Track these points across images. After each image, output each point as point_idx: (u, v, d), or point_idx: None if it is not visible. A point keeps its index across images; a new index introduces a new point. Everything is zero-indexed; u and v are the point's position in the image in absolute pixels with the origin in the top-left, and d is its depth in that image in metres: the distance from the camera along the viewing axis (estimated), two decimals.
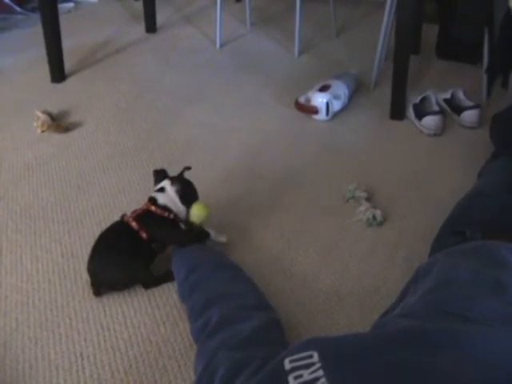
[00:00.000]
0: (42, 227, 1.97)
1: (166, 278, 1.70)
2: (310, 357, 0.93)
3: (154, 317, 1.58)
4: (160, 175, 1.77)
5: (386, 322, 1.15)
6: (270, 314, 1.38)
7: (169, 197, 1.70)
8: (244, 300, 1.42)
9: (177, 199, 1.70)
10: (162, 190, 1.72)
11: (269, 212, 2.00)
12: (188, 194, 1.73)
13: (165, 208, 1.69)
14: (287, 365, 0.94)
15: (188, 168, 1.77)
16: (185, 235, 1.73)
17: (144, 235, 1.65)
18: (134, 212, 1.71)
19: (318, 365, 0.91)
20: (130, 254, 1.65)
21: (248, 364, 1.06)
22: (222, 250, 1.74)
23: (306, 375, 0.90)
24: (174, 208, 1.70)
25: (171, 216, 1.69)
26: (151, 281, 1.69)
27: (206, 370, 1.17)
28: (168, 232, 1.71)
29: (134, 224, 1.66)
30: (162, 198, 1.70)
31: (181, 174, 1.76)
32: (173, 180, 1.72)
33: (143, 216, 1.69)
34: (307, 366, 0.92)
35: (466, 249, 1.30)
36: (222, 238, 1.77)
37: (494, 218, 1.52)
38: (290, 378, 0.91)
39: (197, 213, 1.72)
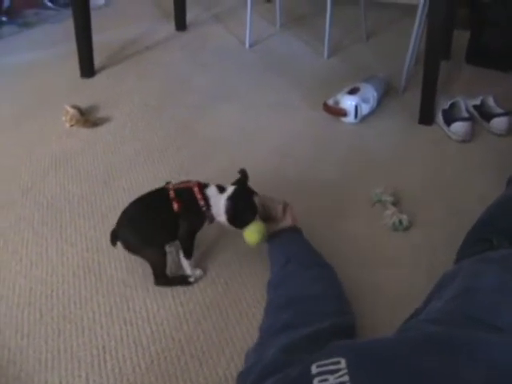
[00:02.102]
0: (67, 221, 1.98)
1: (179, 281, 1.71)
2: (338, 363, 0.93)
3: (177, 314, 1.59)
4: (240, 180, 1.71)
5: (411, 326, 1.15)
6: (342, 321, 1.36)
7: (217, 200, 1.66)
8: (322, 305, 1.40)
9: (222, 210, 1.65)
10: (222, 189, 1.68)
11: (296, 209, 1.99)
12: (234, 217, 1.66)
13: (205, 199, 1.66)
14: (314, 369, 0.94)
15: (243, 173, 1.73)
16: (188, 238, 1.71)
17: (176, 206, 1.64)
18: (179, 183, 1.72)
19: (345, 371, 0.91)
20: (153, 223, 1.66)
21: (284, 368, 1.06)
22: None
23: (332, 379, 0.90)
24: (214, 209, 1.66)
25: (203, 208, 1.65)
26: (163, 268, 1.69)
27: (253, 365, 1.18)
28: (187, 221, 1.67)
29: (171, 192, 1.66)
30: (212, 192, 1.67)
31: (244, 194, 1.67)
32: (232, 196, 1.65)
33: (184, 190, 1.68)
34: (334, 372, 0.91)
35: (494, 257, 1.28)
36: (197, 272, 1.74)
37: None
38: (315, 381, 0.91)
39: (246, 239, 1.67)
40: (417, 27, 2.78)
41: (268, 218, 1.71)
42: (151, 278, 1.70)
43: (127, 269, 1.76)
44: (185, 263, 1.72)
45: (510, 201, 1.70)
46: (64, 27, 3.49)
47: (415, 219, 1.93)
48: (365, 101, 2.58)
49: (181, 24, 3.88)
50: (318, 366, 0.94)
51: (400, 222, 1.89)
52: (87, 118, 2.64)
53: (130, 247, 1.68)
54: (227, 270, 1.75)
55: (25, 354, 1.49)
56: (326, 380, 0.90)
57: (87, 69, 3.13)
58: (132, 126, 2.61)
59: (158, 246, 1.67)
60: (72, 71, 3.13)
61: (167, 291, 1.67)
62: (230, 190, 1.66)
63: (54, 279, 1.73)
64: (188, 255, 1.71)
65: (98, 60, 3.21)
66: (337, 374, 0.91)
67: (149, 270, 1.71)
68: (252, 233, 1.65)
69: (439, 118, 2.54)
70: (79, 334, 1.54)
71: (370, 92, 2.64)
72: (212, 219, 1.69)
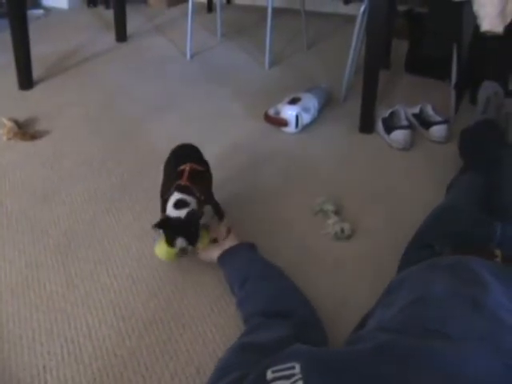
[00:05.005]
0: (5, 237, 1.93)
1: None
2: (292, 368, 0.95)
3: (119, 329, 1.56)
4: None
5: (363, 335, 1.15)
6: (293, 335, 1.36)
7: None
8: (279, 321, 1.40)
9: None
10: (182, 203, 1.65)
11: (237, 223, 1.99)
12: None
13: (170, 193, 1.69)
14: (269, 375, 0.95)
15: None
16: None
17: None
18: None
19: (299, 376, 0.92)
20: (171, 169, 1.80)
21: (233, 371, 1.08)
22: None
23: None
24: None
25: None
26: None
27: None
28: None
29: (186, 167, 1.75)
30: (176, 195, 1.67)
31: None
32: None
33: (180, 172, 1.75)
34: (288, 377, 0.93)
35: (441, 264, 1.30)
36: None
37: (463, 233, 1.53)
38: None
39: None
40: (356, 37, 2.81)
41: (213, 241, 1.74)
42: (92, 293, 1.68)
43: (68, 285, 1.72)
44: None
45: (451, 207, 1.73)
46: (1, 38, 3.41)
47: (357, 227, 1.95)
48: (306, 110, 2.60)
49: (121, 35, 3.86)
50: (273, 372, 0.95)
51: (342, 230, 1.90)
52: (25, 130, 2.59)
53: None
54: (170, 283, 1.72)
55: None
56: None
57: (25, 81, 3.08)
58: (71, 139, 2.57)
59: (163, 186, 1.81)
60: (10, 83, 3.07)
61: (109, 306, 1.64)
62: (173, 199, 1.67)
63: None
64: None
65: (36, 72, 3.15)
66: (291, 380, 0.92)
67: (90, 286, 1.70)
68: (159, 245, 1.72)
69: (379, 126, 2.57)
70: (18, 353, 1.49)
71: (310, 101, 2.66)
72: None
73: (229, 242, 1.70)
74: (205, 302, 1.64)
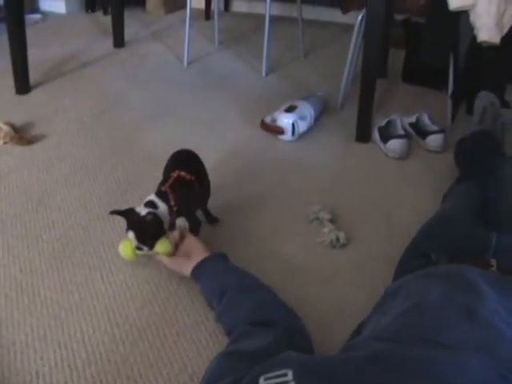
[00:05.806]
0: (0, 241, 1.93)
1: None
2: (285, 375, 0.95)
3: (113, 335, 1.55)
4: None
5: (358, 343, 1.15)
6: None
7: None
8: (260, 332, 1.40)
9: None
10: (152, 204, 1.70)
11: (233, 228, 1.99)
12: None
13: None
14: (262, 382, 0.95)
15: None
16: None
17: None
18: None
19: (292, 383, 0.92)
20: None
21: (224, 377, 1.08)
22: None
23: None
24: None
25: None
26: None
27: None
28: None
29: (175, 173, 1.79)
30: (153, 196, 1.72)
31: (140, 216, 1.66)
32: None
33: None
34: None
35: (436, 273, 1.30)
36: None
37: (459, 242, 1.53)
38: None
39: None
40: (353, 46, 2.82)
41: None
42: (87, 299, 1.67)
43: (62, 290, 1.71)
44: None
45: (447, 216, 1.73)
46: None
47: (353, 236, 1.95)
48: (302, 118, 2.60)
49: (119, 41, 3.86)
50: (265, 379, 0.95)
51: (337, 239, 1.90)
52: (22, 135, 2.58)
53: None
54: (164, 289, 1.72)
55: None
56: None
57: (22, 85, 3.07)
58: (68, 144, 2.57)
59: None
60: (7, 88, 3.07)
61: (103, 312, 1.63)
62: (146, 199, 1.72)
63: None
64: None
65: (33, 76, 3.15)
66: None
67: (84, 292, 1.70)
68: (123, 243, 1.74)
69: (376, 135, 2.57)
70: (11, 359, 1.48)
71: (307, 110, 2.66)
72: None
73: (198, 256, 1.68)
74: (199, 309, 1.64)
